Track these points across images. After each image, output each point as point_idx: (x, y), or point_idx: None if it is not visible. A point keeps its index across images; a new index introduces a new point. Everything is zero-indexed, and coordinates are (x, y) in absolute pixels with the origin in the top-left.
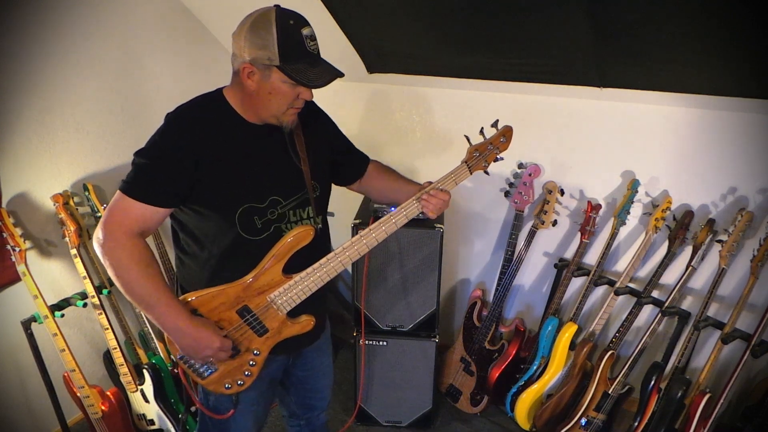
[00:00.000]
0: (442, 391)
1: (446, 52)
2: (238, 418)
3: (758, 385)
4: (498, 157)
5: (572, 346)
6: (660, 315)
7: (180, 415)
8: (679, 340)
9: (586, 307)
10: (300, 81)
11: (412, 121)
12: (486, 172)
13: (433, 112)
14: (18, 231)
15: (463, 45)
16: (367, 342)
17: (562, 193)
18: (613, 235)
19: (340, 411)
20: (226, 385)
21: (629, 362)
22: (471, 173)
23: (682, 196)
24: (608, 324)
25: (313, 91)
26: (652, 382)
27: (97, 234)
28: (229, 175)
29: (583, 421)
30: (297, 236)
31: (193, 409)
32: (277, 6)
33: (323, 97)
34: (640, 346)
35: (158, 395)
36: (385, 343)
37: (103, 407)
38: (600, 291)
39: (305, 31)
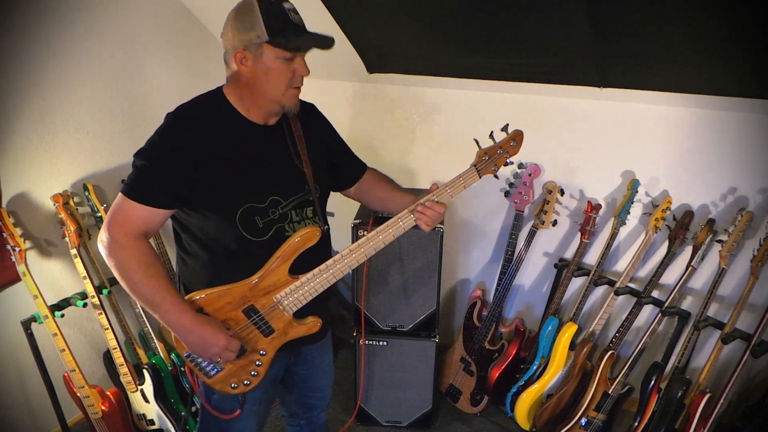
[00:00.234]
0: (442, 391)
1: (446, 52)
2: (240, 417)
3: (758, 385)
4: (508, 161)
5: (572, 346)
6: (660, 315)
7: (182, 413)
8: (679, 340)
9: (586, 307)
10: (290, 48)
11: (412, 121)
12: (495, 176)
13: (433, 112)
14: (18, 231)
15: (463, 45)
16: (367, 342)
17: (562, 193)
18: (613, 235)
19: (340, 411)
20: (232, 385)
21: (629, 362)
22: (480, 177)
23: (682, 196)
24: (608, 324)
25: (314, 91)
26: (652, 382)
27: (101, 236)
28: (229, 174)
29: (583, 421)
30: (304, 237)
31: (193, 409)
32: None
33: (323, 96)
34: (640, 346)
35: (158, 395)
36: (385, 343)
37: (103, 407)
38: (600, 291)
39: (287, 5)
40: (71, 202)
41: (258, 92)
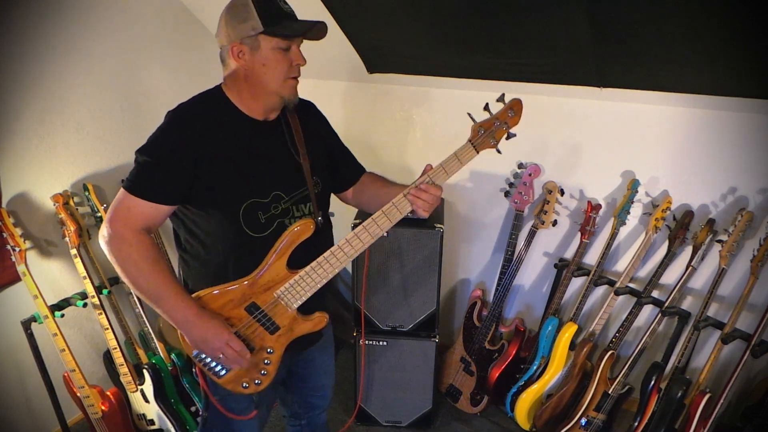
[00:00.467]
0: (442, 391)
1: (446, 52)
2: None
3: (758, 385)
4: (510, 132)
5: (572, 346)
6: (660, 315)
7: (192, 408)
8: (679, 340)
9: (586, 307)
10: (286, 34)
11: (413, 121)
12: (498, 150)
13: (433, 112)
14: (18, 231)
15: (463, 45)
16: (367, 342)
17: (562, 193)
18: (613, 235)
19: (340, 411)
20: (244, 384)
21: (629, 362)
22: (477, 152)
23: (682, 196)
24: (608, 324)
25: (315, 91)
26: (652, 382)
27: (102, 232)
28: (231, 171)
29: (583, 421)
30: (297, 230)
31: (192, 409)
32: None
33: (323, 96)
34: (640, 346)
35: (158, 395)
36: (385, 343)
37: (103, 407)
38: (600, 291)
39: None
40: (71, 202)
41: (257, 85)
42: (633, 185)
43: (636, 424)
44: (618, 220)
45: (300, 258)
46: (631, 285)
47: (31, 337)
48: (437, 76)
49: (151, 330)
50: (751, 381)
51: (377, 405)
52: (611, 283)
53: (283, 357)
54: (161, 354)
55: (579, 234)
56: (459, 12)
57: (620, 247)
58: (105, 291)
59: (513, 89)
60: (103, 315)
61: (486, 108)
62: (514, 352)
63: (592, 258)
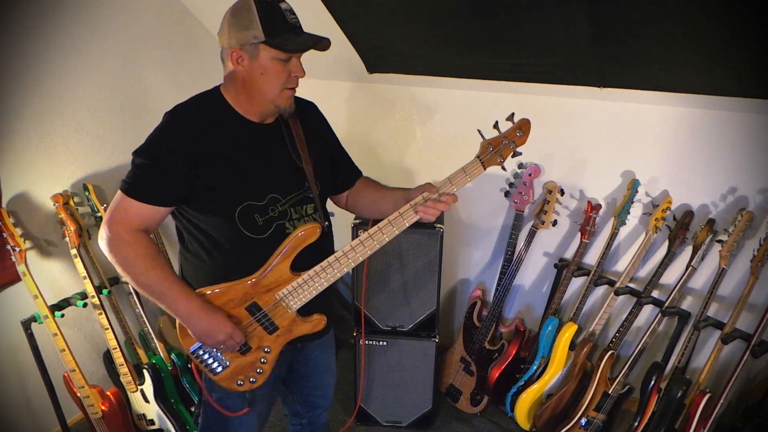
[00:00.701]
0: (442, 391)
1: (446, 52)
2: (243, 415)
3: (758, 385)
4: (516, 151)
5: (572, 346)
6: (660, 315)
7: (192, 408)
8: (679, 340)
9: (586, 307)
10: (287, 48)
11: (412, 122)
12: (503, 168)
13: (433, 112)
14: (18, 231)
15: (463, 45)
16: (367, 342)
17: (562, 193)
18: (613, 235)
19: (340, 411)
20: (239, 382)
21: (629, 362)
22: (485, 169)
23: (682, 196)
24: (608, 324)
25: (314, 91)
26: (652, 382)
27: (101, 233)
28: (228, 172)
29: (583, 421)
30: (304, 234)
31: (192, 409)
32: None
33: (323, 96)
34: (640, 346)
35: (158, 395)
36: (385, 343)
37: (103, 407)
38: (600, 291)
39: (283, 6)
40: (71, 202)
41: (253, 92)
42: (633, 185)
43: (636, 424)
44: (618, 220)
45: (302, 260)
46: (631, 285)
47: (31, 337)
48: (437, 76)
49: (151, 330)
50: (751, 381)
51: (377, 405)
52: (611, 283)
53: (283, 355)
54: (161, 354)
55: (579, 234)
56: (459, 12)
57: (620, 247)
58: (105, 291)
59: (513, 89)
60: (103, 315)
61: (495, 126)
62: (514, 352)
63: (592, 258)
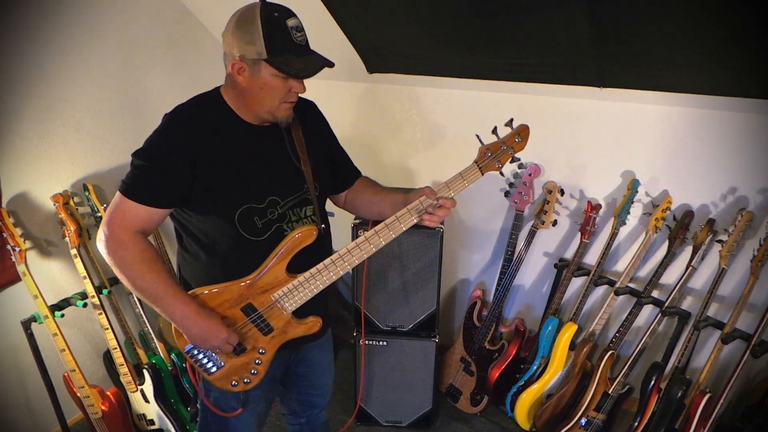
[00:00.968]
0: (442, 391)
1: (446, 52)
2: (240, 415)
3: (758, 385)
4: (515, 157)
5: (572, 346)
6: (660, 315)
7: (189, 408)
8: (679, 340)
9: (586, 307)
10: (288, 72)
11: (412, 122)
12: (501, 173)
13: (433, 113)
14: (18, 231)
15: (463, 45)
16: (367, 342)
17: (562, 193)
18: (613, 235)
19: (340, 411)
20: (233, 383)
21: (629, 362)
22: (482, 174)
23: (682, 196)
24: (608, 324)
25: (314, 91)
26: (652, 382)
27: (100, 235)
28: (228, 175)
29: (583, 421)
30: (301, 236)
31: (192, 410)
32: (262, 0)
33: (323, 97)
34: (640, 346)
35: (158, 395)
36: (385, 343)
37: (103, 407)
38: (600, 291)
39: (291, 23)
40: (71, 202)
41: (252, 102)
42: (633, 185)
43: (636, 424)
44: (618, 220)
45: (299, 261)
46: (631, 285)
47: (31, 337)
48: (437, 76)
49: (151, 330)
50: (751, 381)
51: (377, 405)
52: (611, 283)
53: (281, 355)
54: (161, 354)
55: (579, 234)
56: (459, 12)
57: (620, 247)
58: (105, 291)
59: (513, 89)
60: (103, 315)
61: (494, 131)
62: (514, 352)
63: (592, 258)
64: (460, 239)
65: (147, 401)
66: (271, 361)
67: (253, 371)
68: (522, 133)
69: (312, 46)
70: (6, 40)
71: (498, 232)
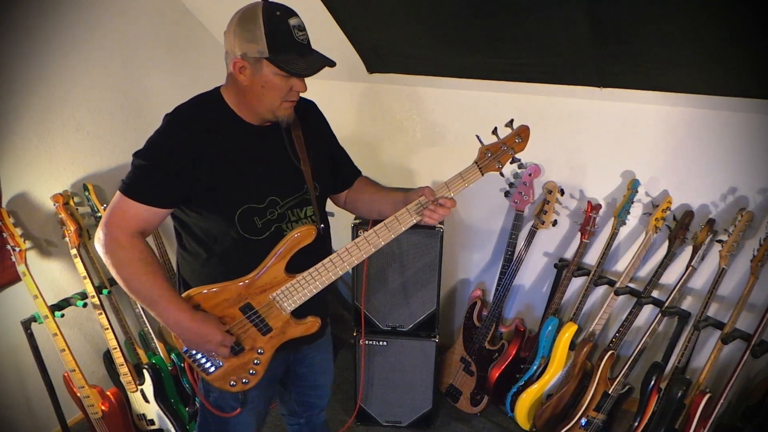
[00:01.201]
0: (442, 391)
1: (446, 52)
2: (239, 416)
3: (758, 385)
4: (515, 158)
5: (572, 346)
6: (660, 315)
7: (188, 408)
8: (679, 340)
9: (586, 307)
10: (289, 71)
11: (413, 122)
12: (501, 174)
13: (433, 113)
14: (18, 231)
15: (463, 45)
16: (367, 342)
17: (562, 193)
18: (613, 235)
19: (340, 411)
20: (231, 383)
21: (629, 362)
22: (482, 174)
23: (682, 196)
24: (608, 324)
25: (314, 91)
26: (652, 382)
27: (98, 234)
28: (228, 175)
29: (583, 421)
30: (300, 236)
31: (189, 410)
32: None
33: (323, 97)
34: (640, 346)
35: (158, 395)
36: (385, 343)
37: (103, 407)
38: (600, 291)
39: (293, 22)
40: (71, 202)
41: (253, 101)
42: (633, 185)
43: (636, 424)
44: (618, 220)
45: (298, 261)
46: (631, 285)
47: (31, 337)
48: (437, 76)
49: (151, 330)
50: (751, 381)
51: (377, 405)
52: (611, 283)
53: (280, 356)
54: (161, 354)
55: (579, 234)
56: (459, 12)
57: (620, 247)
58: (105, 291)
59: (513, 89)
60: (103, 315)
61: (494, 132)
62: (514, 352)
63: (592, 258)
64: (460, 239)
65: (147, 401)
66: (270, 361)
67: (251, 371)
68: (522, 134)
69: (312, 46)
70: (6, 40)
71: (498, 232)
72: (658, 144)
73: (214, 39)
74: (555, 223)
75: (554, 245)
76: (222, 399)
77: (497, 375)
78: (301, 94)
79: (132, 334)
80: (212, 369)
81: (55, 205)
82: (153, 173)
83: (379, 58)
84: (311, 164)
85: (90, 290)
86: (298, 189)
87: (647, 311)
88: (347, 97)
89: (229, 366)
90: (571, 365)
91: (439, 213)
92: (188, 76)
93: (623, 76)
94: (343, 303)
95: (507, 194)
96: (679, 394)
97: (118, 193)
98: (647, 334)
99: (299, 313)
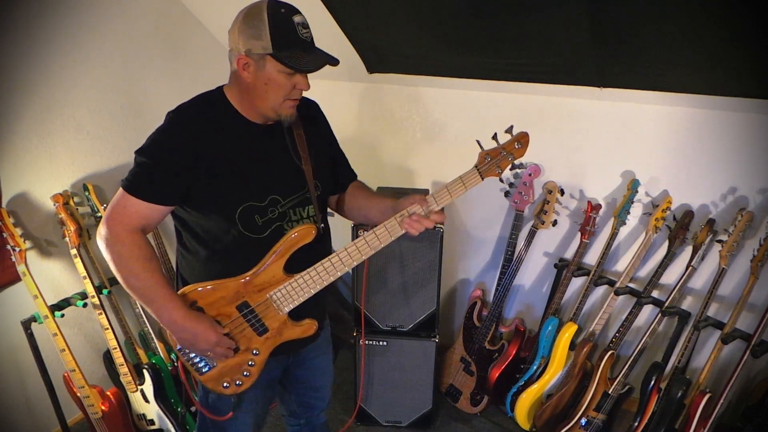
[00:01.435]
0: (442, 391)
1: (446, 52)
2: (237, 417)
3: (758, 385)
4: (515, 163)
5: (572, 346)
6: (660, 315)
7: (180, 408)
8: (679, 340)
9: (586, 307)
10: (293, 67)
11: (412, 122)
12: (500, 179)
13: (433, 113)
14: (18, 231)
15: (463, 45)
16: (367, 342)
17: (562, 193)
18: (613, 235)
19: (340, 411)
20: (224, 384)
21: (629, 362)
22: (482, 179)
23: (682, 196)
24: (608, 324)
25: (314, 91)
26: (652, 382)
27: (100, 230)
28: (229, 173)
29: (583, 421)
30: (299, 234)
31: (192, 409)
32: None
33: (323, 97)
34: (640, 346)
35: (158, 395)
36: (385, 343)
37: (103, 407)
38: (600, 291)
39: (297, 19)
40: (71, 202)
41: (256, 99)
42: (633, 185)
43: (636, 424)
44: (618, 220)
45: (297, 261)
46: (631, 285)
47: (31, 337)
48: (437, 76)
49: (151, 330)
50: (751, 381)
51: (377, 405)
52: (611, 283)
53: (277, 359)
54: (161, 354)
55: (579, 234)
56: (459, 12)
57: (620, 247)
58: (105, 291)
59: (513, 89)
60: (103, 315)
61: (494, 137)
62: (514, 352)
63: (592, 258)
64: (461, 239)
65: (147, 401)
66: (265, 363)
67: (245, 373)
68: (522, 140)
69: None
70: (6, 40)
71: (498, 232)
72: (658, 144)
73: (214, 39)
74: (555, 223)
75: (554, 245)
76: (219, 401)
77: (497, 375)
78: (304, 94)
79: (132, 334)
80: (206, 369)
81: (55, 205)
82: (154, 171)
83: (379, 58)
84: (312, 163)
85: (90, 290)
86: (299, 188)
87: (647, 311)
88: (347, 97)
89: (224, 366)
90: (571, 365)
91: (423, 224)
92: (188, 76)
93: (623, 76)
94: (343, 303)
95: (507, 194)
96: (679, 394)
97: (120, 189)
98: (647, 334)
99: (296, 314)
